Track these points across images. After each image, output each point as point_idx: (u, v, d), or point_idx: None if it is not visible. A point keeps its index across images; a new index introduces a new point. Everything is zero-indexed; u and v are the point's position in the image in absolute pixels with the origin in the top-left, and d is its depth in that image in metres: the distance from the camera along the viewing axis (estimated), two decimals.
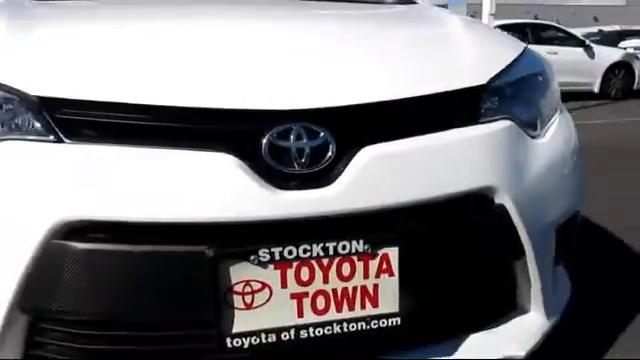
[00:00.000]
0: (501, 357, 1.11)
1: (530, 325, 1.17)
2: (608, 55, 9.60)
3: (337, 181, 0.93)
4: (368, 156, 0.95)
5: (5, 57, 1.02)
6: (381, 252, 0.95)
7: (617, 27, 14.82)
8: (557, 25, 10.29)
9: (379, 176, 0.95)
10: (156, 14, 1.37)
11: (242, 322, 0.93)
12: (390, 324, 0.98)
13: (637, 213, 2.66)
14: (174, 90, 0.95)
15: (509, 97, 1.16)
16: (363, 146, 0.95)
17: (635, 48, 11.12)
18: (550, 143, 1.21)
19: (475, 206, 1.04)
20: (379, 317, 0.98)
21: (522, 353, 1.13)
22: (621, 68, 9.51)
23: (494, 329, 1.15)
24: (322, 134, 0.94)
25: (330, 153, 0.94)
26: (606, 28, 14.82)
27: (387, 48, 1.19)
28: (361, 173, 0.94)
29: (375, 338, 0.99)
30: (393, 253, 0.96)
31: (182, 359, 0.97)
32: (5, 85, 0.95)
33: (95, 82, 0.96)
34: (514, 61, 1.23)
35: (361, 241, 0.94)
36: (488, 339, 1.13)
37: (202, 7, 1.50)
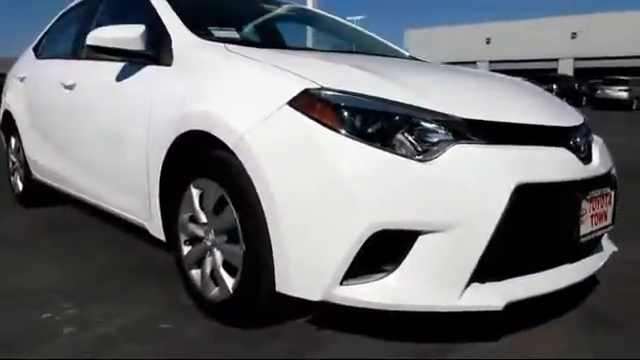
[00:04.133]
0: (615, 249, 2.27)
1: (607, 240, 2.37)
2: None
3: (593, 159, 1.99)
4: (594, 148, 2.04)
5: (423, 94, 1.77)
6: (611, 192, 2.04)
7: None
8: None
9: (600, 157, 2.05)
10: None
11: (582, 229, 1.88)
12: (610, 228, 2.07)
13: None
14: (534, 116, 1.88)
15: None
16: (590, 143, 2.04)
17: None
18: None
19: (613, 175, 2.21)
20: (608, 225, 2.05)
21: (616, 248, 2.32)
22: None
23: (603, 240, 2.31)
24: (583, 136, 1.99)
25: (587, 146, 1.99)
26: None
27: (548, 96, 2.33)
28: (596, 156, 2.02)
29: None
30: (612, 194, 2.05)
31: (557, 253, 1.87)
32: (440, 113, 1.72)
33: (495, 110, 1.81)
34: None
35: (608, 187, 2.01)
36: (607, 243, 2.27)
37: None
